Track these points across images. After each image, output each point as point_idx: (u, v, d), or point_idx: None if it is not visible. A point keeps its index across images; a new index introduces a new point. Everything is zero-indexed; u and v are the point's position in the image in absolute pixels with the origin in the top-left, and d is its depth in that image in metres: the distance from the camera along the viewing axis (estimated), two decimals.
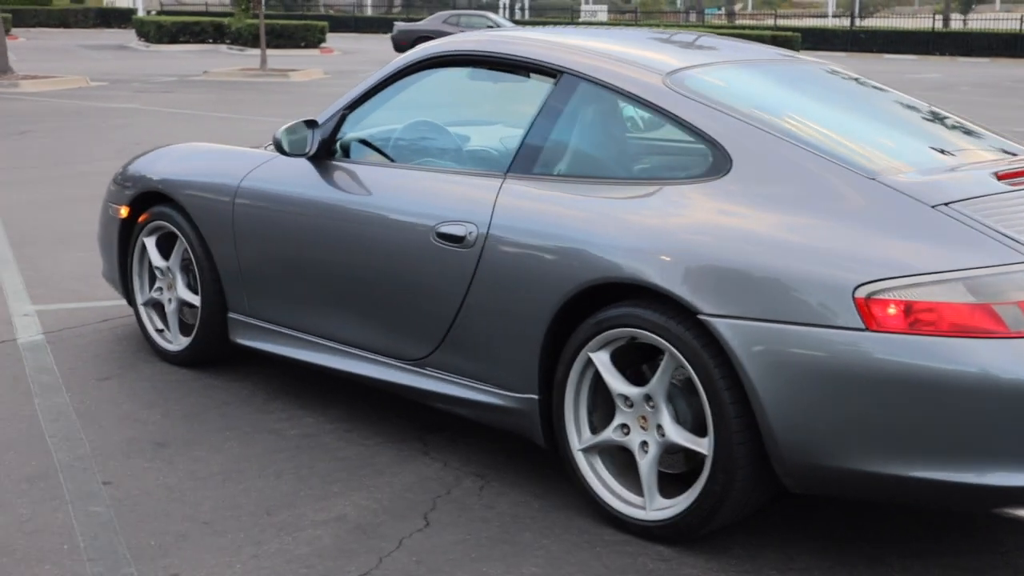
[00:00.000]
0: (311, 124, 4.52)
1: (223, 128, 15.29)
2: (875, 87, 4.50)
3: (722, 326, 3.27)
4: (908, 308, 3.05)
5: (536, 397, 3.80)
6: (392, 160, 4.56)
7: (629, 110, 4.10)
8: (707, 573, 3.37)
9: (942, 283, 3.06)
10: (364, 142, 4.60)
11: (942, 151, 3.88)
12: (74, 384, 4.97)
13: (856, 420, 3.13)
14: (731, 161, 3.54)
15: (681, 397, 3.53)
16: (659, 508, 3.54)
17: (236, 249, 4.80)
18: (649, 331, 3.45)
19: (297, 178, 4.56)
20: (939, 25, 48.62)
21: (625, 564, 3.42)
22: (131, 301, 5.49)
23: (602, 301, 3.62)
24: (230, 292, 4.91)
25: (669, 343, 3.40)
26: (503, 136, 4.53)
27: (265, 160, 4.79)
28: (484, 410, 3.99)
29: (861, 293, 3.10)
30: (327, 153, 4.55)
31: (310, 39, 39.91)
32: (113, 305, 6.15)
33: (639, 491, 3.62)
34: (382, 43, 43.97)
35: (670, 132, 3.81)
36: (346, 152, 4.59)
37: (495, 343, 3.89)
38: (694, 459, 3.63)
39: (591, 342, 3.61)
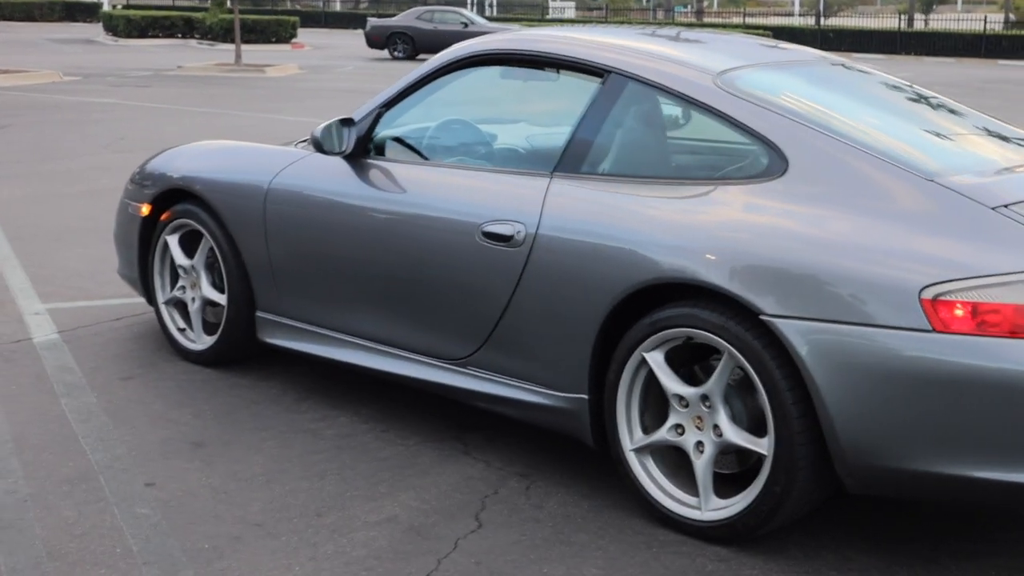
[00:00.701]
0: (347, 122, 4.48)
1: (210, 123, 15.18)
2: (904, 87, 4.51)
3: (785, 327, 3.27)
4: (974, 309, 3.07)
5: (586, 397, 3.79)
6: (429, 159, 4.54)
7: (679, 110, 4.09)
8: (767, 574, 3.38)
9: (1007, 285, 3.08)
10: (400, 140, 4.58)
11: (989, 152, 3.90)
12: (98, 383, 4.91)
13: (921, 421, 3.14)
14: (787, 162, 3.54)
15: (736, 397, 3.53)
16: (715, 508, 3.54)
17: (268, 248, 4.75)
18: (707, 331, 3.45)
19: (334, 176, 4.53)
20: (904, 25, 48.94)
21: (684, 565, 3.42)
22: (151, 300, 5.43)
23: (654, 301, 3.62)
24: (259, 291, 4.87)
25: (729, 343, 3.40)
26: (543, 135, 4.52)
27: (297, 158, 4.75)
28: (530, 410, 3.98)
29: (927, 295, 3.11)
30: (363, 151, 4.52)
31: (281, 34, 39.70)
32: (125, 303, 6.10)
33: (692, 491, 3.62)
34: (352, 39, 43.86)
35: (722, 133, 3.80)
36: (381, 151, 4.56)
37: (543, 343, 3.88)
38: (747, 459, 3.64)
39: (645, 342, 3.60)
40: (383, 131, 4.55)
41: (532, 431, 4.31)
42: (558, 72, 4.28)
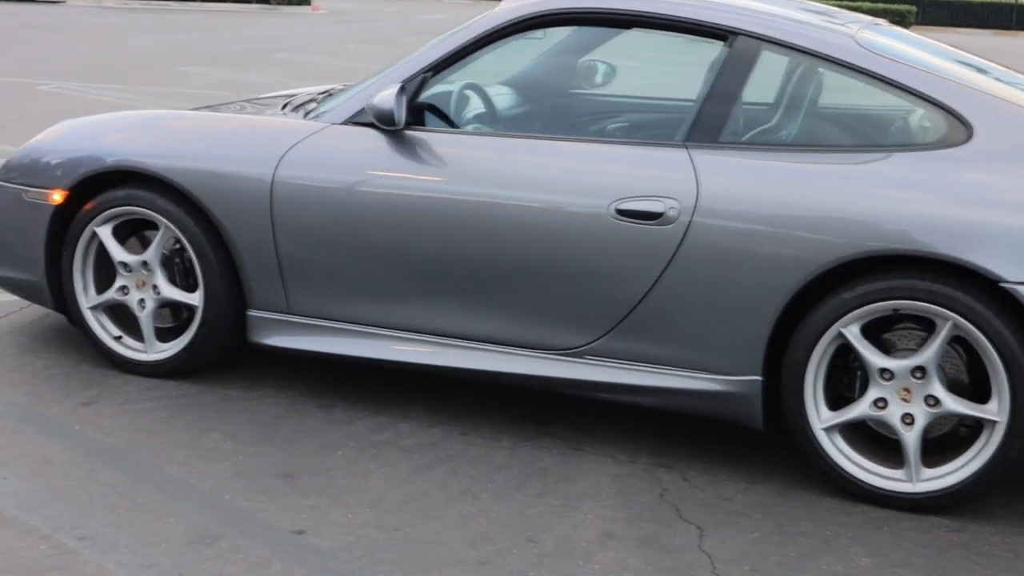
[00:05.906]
0: (401, 91, 3.89)
1: None
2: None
3: None
4: None
5: (760, 379, 3.61)
6: (504, 130, 4.07)
7: (821, 73, 3.91)
8: (1008, 538, 3.41)
9: None
10: (448, 111, 4.06)
11: None
12: (54, 414, 3.99)
13: None
14: (971, 128, 3.52)
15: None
16: (930, 479, 3.51)
17: (276, 238, 4.06)
18: (927, 302, 3.39)
19: (385, 153, 3.92)
20: None
21: (930, 540, 3.38)
22: (62, 307, 4.48)
23: (847, 275, 3.50)
24: (256, 287, 4.15)
25: (955, 313, 3.37)
26: (637, 103, 4.19)
27: (310, 132, 4.07)
28: (678, 396, 3.72)
29: None
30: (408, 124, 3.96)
31: None
32: None
33: (888, 464, 3.57)
34: None
35: (879, 97, 3.70)
36: (422, 120, 4.02)
37: (703, 325, 3.63)
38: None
39: (845, 316, 3.48)
40: (430, 99, 4.02)
41: (610, 413, 4.08)
42: (657, 32, 3.97)
